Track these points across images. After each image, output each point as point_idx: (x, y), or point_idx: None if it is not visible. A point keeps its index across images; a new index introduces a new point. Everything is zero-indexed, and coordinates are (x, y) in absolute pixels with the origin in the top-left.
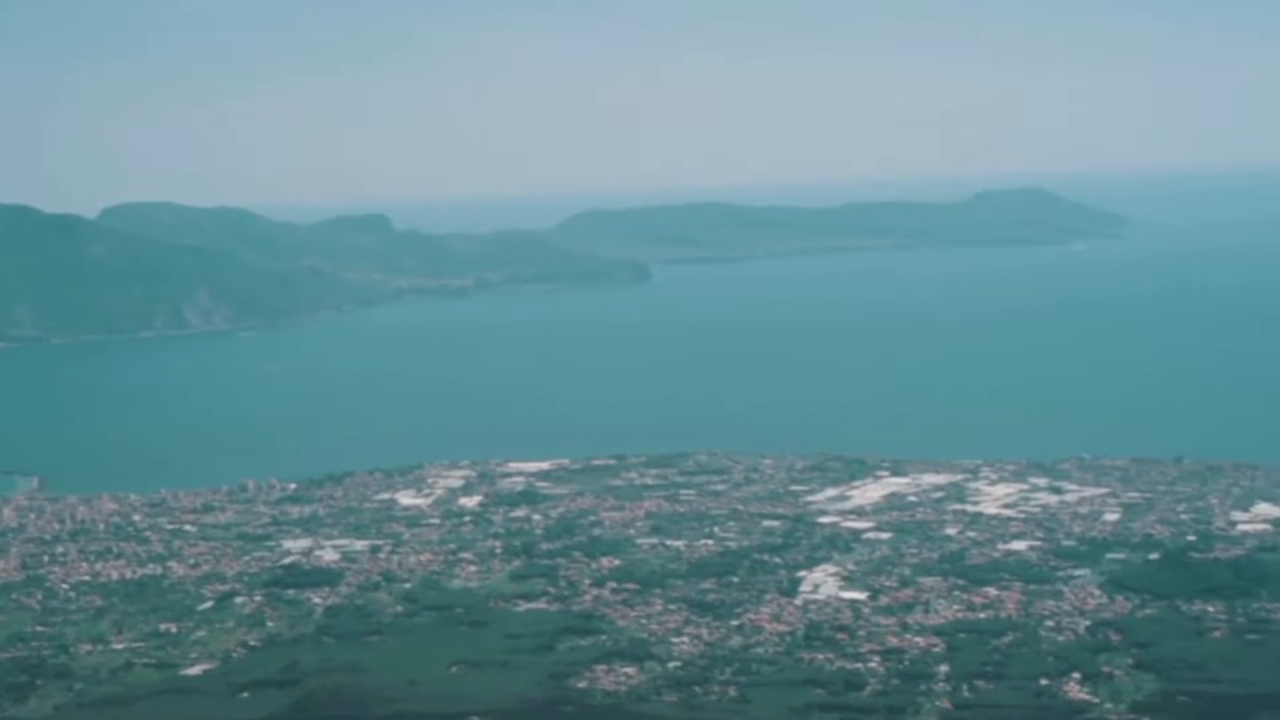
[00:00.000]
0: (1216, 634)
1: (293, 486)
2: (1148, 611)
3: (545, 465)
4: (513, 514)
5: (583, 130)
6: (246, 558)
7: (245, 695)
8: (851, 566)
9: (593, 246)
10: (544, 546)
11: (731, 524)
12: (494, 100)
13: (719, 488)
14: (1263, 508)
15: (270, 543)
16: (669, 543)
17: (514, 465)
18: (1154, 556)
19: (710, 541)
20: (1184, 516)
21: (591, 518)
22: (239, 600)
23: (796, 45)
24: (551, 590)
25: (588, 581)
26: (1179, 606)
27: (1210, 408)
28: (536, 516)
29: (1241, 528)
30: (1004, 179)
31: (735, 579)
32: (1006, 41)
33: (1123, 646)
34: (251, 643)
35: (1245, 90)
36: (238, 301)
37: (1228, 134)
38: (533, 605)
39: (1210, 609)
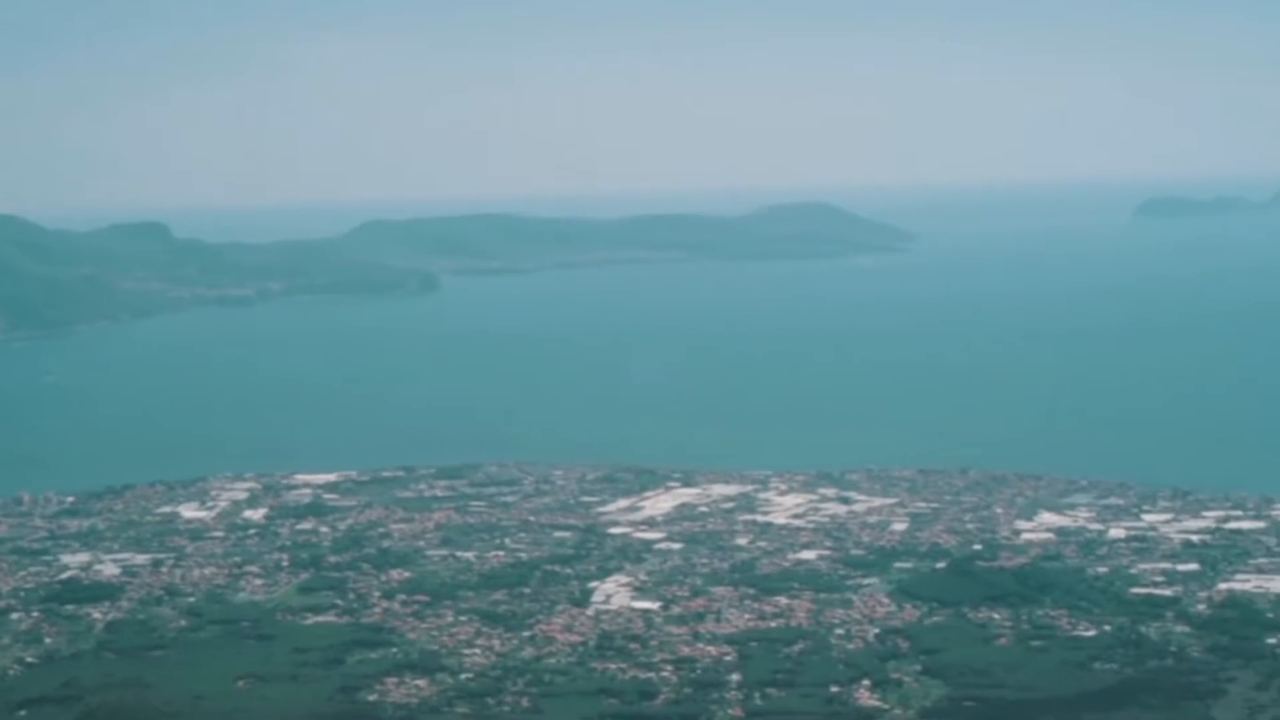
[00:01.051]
0: (1002, 640)
1: (70, 500)
2: (935, 619)
3: (332, 477)
4: (299, 526)
5: (373, 139)
6: (22, 573)
7: (23, 714)
8: (643, 577)
9: (381, 256)
10: (332, 559)
11: (523, 535)
12: (287, 109)
13: (509, 499)
14: (1046, 517)
15: (47, 557)
16: (459, 554)
17: (300, 477)
18: (941, 565)
19: (501, 553)
20: (970, 526)
21: (380, 530)
22: (15, 616)
23: (587, 52)
24: (340, 603)
25: (377, 594)
26: (965, 614)
27: (991, 419)
28: (324, 529)
29: (1025, 537)
30: (792, 194)
31: (527, 590)
32: (795, 55)
33: (911, 654)
34: (29, 659)
35: (1042, 105)
36: (10, 311)
37: (1027, 148)
38: (321, 618)
39: (996, 616)
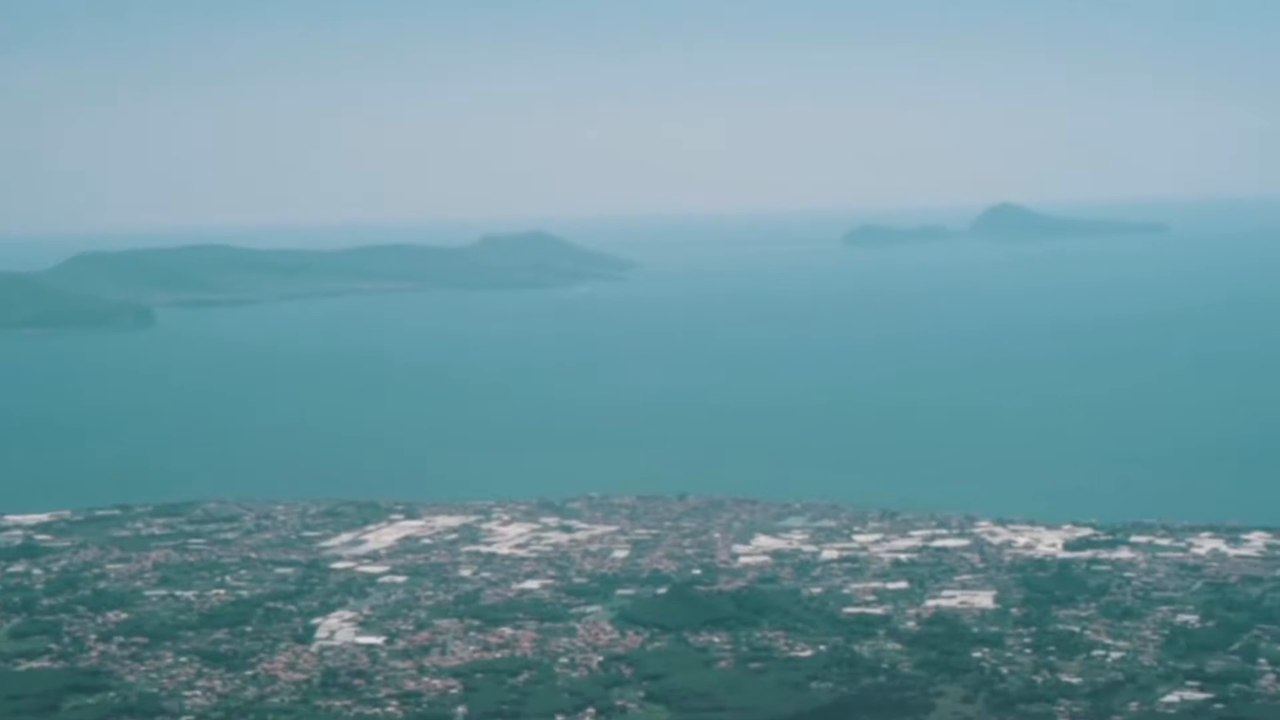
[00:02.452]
0: (722, 664)
1: None
2: (657, 644)
3: (45, 517)
4: (10, 569)
5: (85, 168)
6: None
7: None
8: (367, 611)
9: (93, 289)
10: (45, 602)
11: (244, 572)
12: None
13: (230, 536)
14: (762, 540)
15: None
16: (179, 594)
17: (11, 518)
18: (662, 591)
19: (222, 591)
20: (689, 551)
21: (96, 570)
22: None
23: (301, 82)
24: (54, 647)
25: (93, 637)
26: (686, 638)
27: (707, 445)
28: (37, 571)
29: (743, 560)
30: (510, 223)
31: (249, 628)
32: (509, 88)
33: (635, 680)
34: None
35: (756, 139)
36: None
37: (744, 180)
38: (34, 664)
39: (716, 639)
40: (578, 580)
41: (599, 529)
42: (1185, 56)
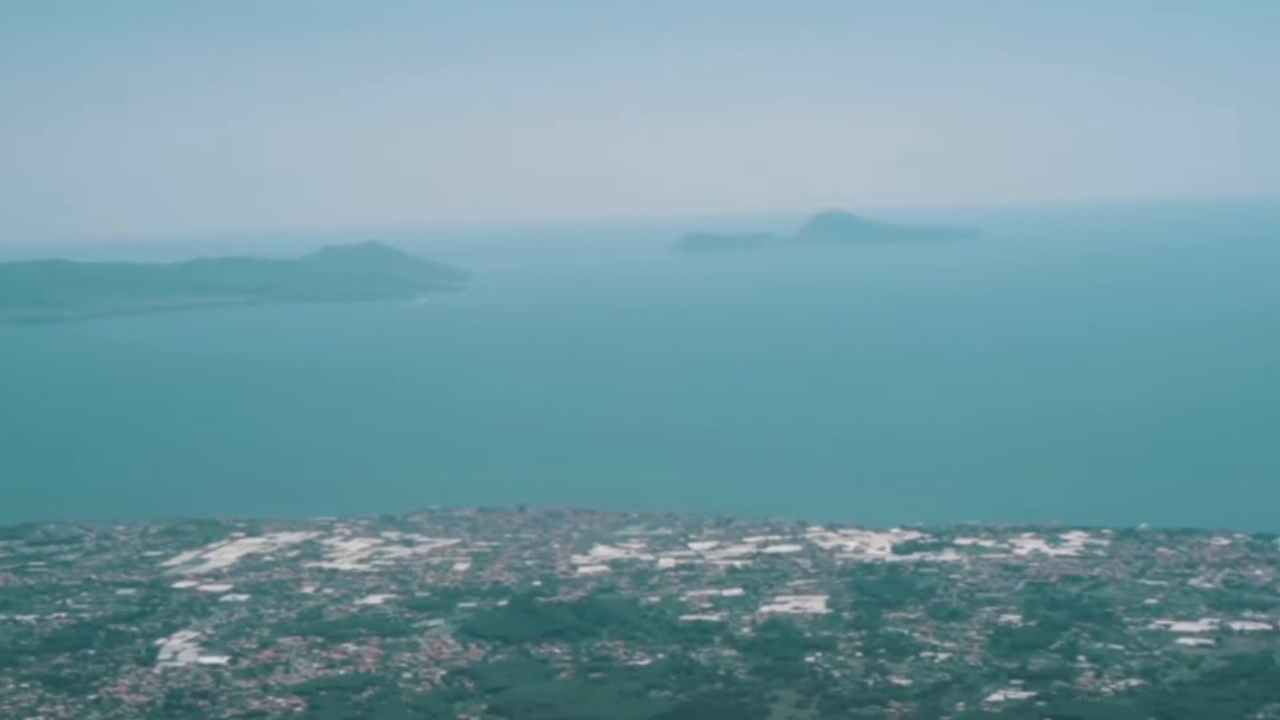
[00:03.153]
0: (563, 674)
1: None
2: (500, 657)
3: None
4: None
5: None
6: None
7: None
8: (210, 631)
9: None
10: None
11: (85, 594)
12: None
13: (70, 557)
14: (600, 550)
15: None
16: (19, 618)
17: None
18: (503, 603)
19: (63, 614)
20: (529, 563)
21: None
22: None
23: (129, 95)
24: None
25: None
26: (528, 650)
27: (544, 455)
28: None
29: (582, 571)
30: (345, 234)
31: (91, 651)
32: (339, 97)
33: (478, 693)
34: None
35: (589, 148)
36: None
37: (579, 189)
38: None
39: (557, 650)
40: (420, 594)
41: (440, 542)
42: (1007, 67)
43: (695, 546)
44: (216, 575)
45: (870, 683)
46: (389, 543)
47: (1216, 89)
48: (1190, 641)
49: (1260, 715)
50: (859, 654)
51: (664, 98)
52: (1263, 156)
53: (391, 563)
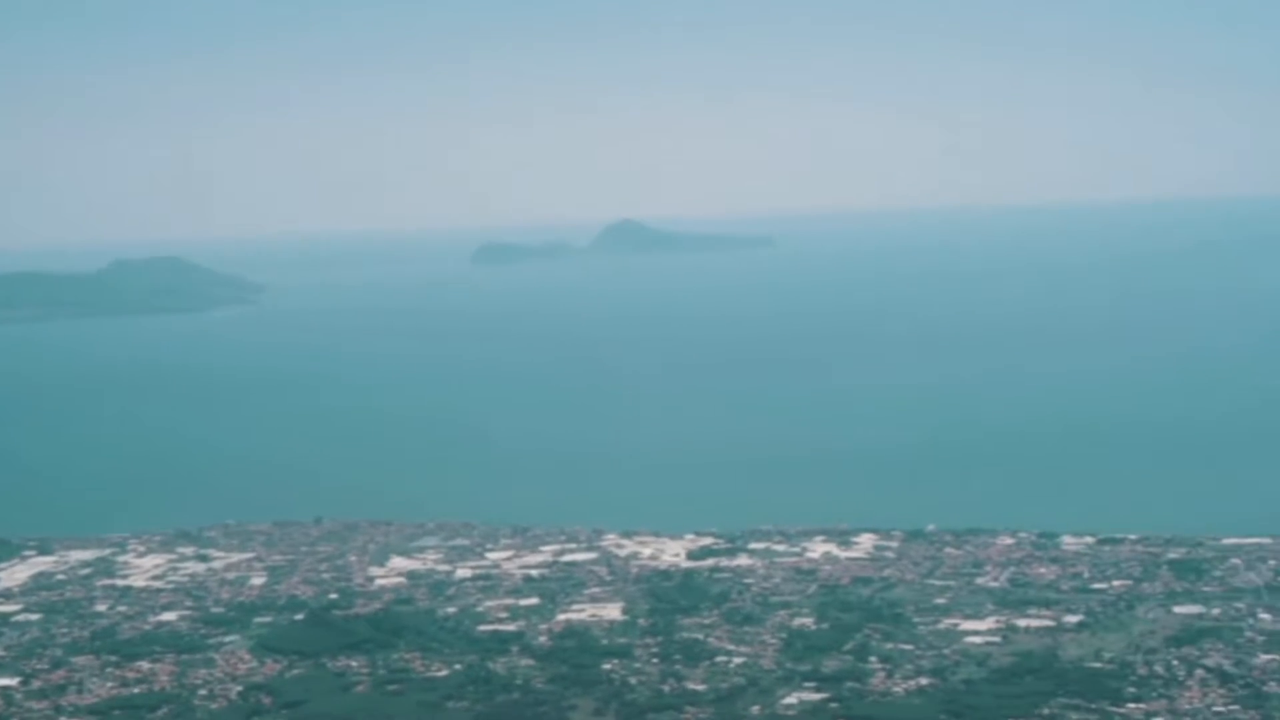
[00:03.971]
0: (360, 687)
1: None
2: (296, 671)
3: None
4: None
5: None
6: None
7: None
8: (1, 652)
9: None
10: None
11: None
12: None
13: None
14: (397, 562)
15: None
16: None
17: None
18: (299, 617)
19: None
20: (326, 576)
21: None
22: None
23: None
24: None
25: None
26: (325, 664)
27: (344, 467)
28: None
29: (379, 583)
30: (138, 247)
31: None
32: (129, 108)
33: (274, 708)
34: None
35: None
36: None
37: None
38: None
39: (354, 664)
40: (215, 610)
41: (235, 557)
42: (824, 71)
43: (492, 556)
44: (7, 595)
45: (666, 688)
46: (183, 558)
47: (1038, 93)
48: (978, 639)
49: (1046, 710)
50: (655, 660)
51: (469, 107)
52: (1083, 162)
53: (186, 578)
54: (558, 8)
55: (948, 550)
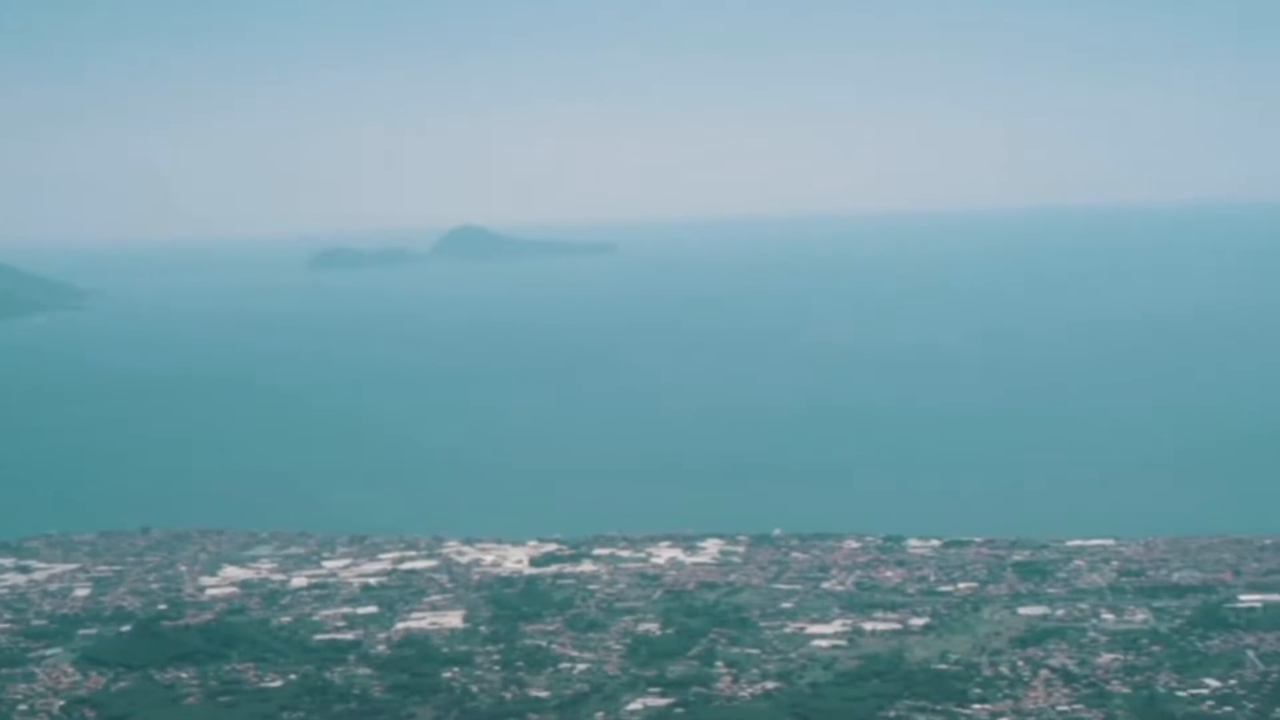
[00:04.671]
0: (190, 700)
1: None
2: (122, 684)
3: None
4: None
5: None
6: None
7: None
8: None
9: None
10: None
11: None
12: None
13: None
14: (230, 571)
15: None
16: None
17: None
18: (126, 629)
19: None
20: (154, 586)
21: None
22: None
23: None
24: None
25: None
26: (153, 676)
27: (173, 476)
28: None
29: (210, 593)
30: None
31: None
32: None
33: None
34: None
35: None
36: None
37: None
38: None
39: (183, 675)
40: (36, 622)
41: (58, 568)
42: (655, 81)
43: (329, 565)
44: None
45: (508, 696)
46: (3, 570)
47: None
48: (824, 643)
49: (892, 712)
50: (497, 667)
51: (306, 111)
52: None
53: (6, 590)
54: (399, 14)
55: (794, 555)
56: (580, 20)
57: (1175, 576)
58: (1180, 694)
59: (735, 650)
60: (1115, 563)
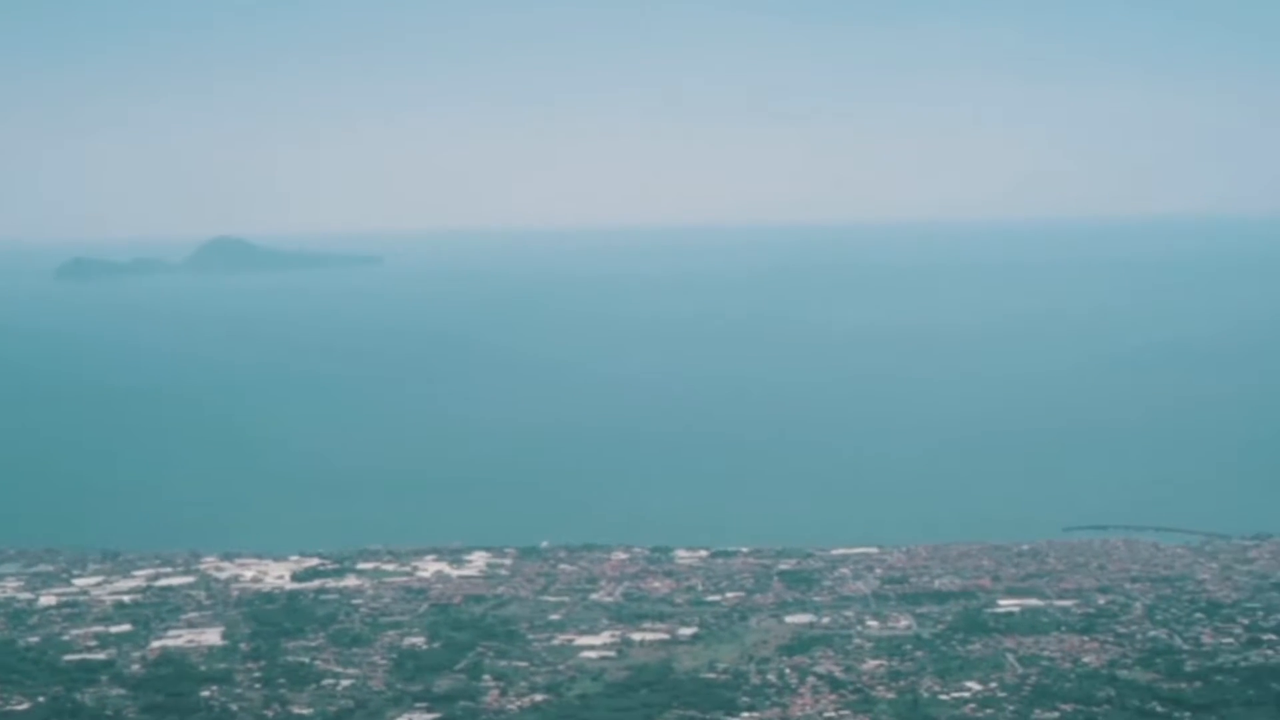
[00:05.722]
0: None
1: None
2: None
3: None
4: None
5: None
6: None
7: None
8: None
9: None
10: None
11: None
12: None
13: None
14: None
15: None
16: None
17: None
18: None
19: None
20: None
21: None
22: None
23: None
24: None
25: None
26: None
27: None
28: None
29: None
30: None
31: None
32: None
33: None
34: None
35: None
36: None
37: None
38: None
39: None
40: None
41: None
42: (418, 92)
43: (79, 583)
44: None
45: (270, 714)
46: None
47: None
48: (593, 654)
49: None
50: (258, 685)
51: (50, 114)
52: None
53: None
54: (156, 18)
55: (562, 567)
56: (344, 26)
57: (937, 583)
58: (943, 698)
59: (503, 663)
60: (879, 570)
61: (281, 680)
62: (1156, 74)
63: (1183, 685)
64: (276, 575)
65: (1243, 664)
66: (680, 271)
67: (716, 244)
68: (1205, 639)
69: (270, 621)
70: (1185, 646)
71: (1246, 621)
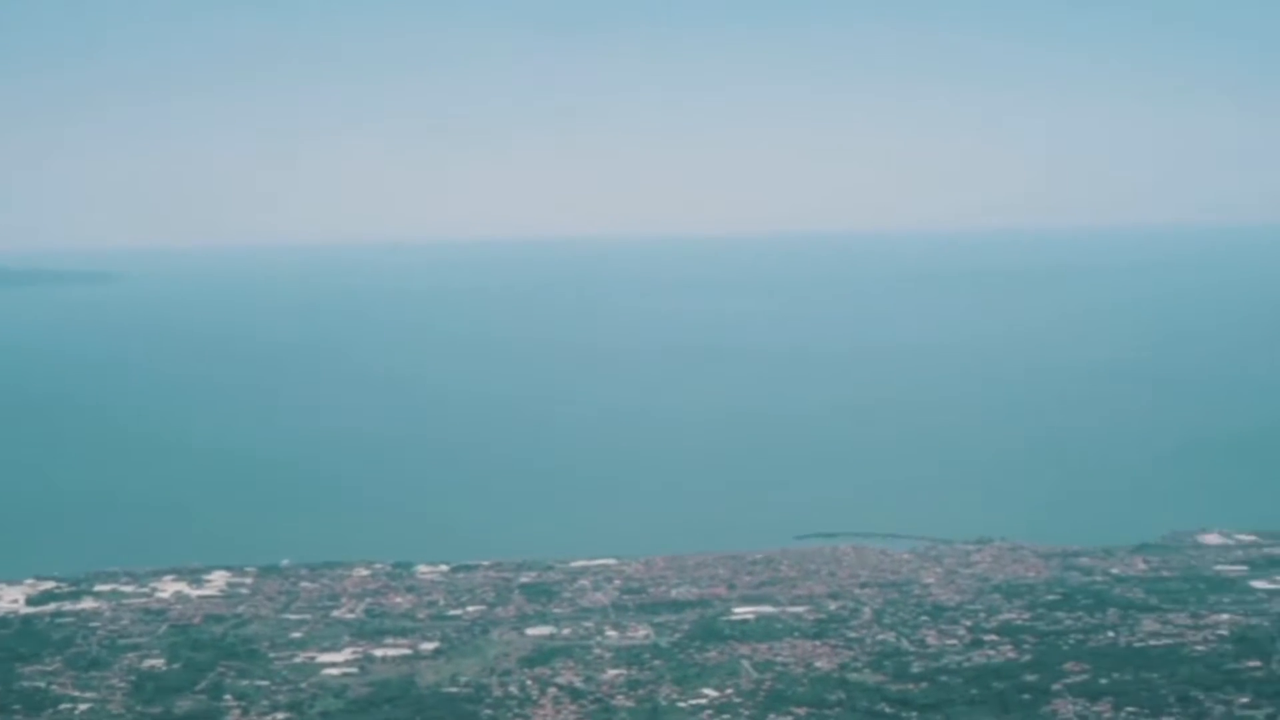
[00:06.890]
0: None
1: None
2: None
3: None
4: None
5: None
6: None
7: None
8: None
9: None
10: None
11: None
12: None
13: None
14: None
15: None
16: None
17: None
18: None
19: None
20: None
21: None
22: None
23: None
24: None
25: None
26: None
27: None
28: None
29: None
30: None
31: None
32: None
33: None
34: None
35: None
36: None
37: None
38: None
39: None
40: None
41: None
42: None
43: None
44: None
45: None
46: None
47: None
48: (335, 671)
49: None
50: None
51: None
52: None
53: None
54: None
55: (303, 584)
56: (88, 32)
57: (674, 593)
58: (681, 705)
59: (244, 682)
60: (618, 581)
61: (16, 706)
62: (1125, 90)
63: (910, 686)
64: (10, 599)
65: (966, 664)
66: (450, 288)
67: (493, 258)
68: (931, 641)
69: (4, 647)
70: (912, 649)
71: (969, 623)
